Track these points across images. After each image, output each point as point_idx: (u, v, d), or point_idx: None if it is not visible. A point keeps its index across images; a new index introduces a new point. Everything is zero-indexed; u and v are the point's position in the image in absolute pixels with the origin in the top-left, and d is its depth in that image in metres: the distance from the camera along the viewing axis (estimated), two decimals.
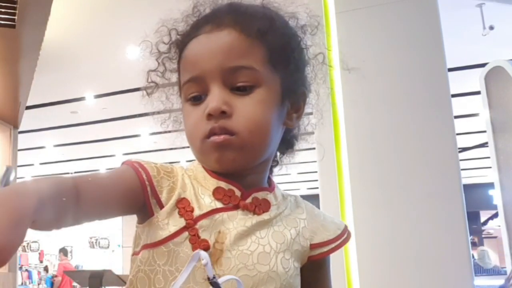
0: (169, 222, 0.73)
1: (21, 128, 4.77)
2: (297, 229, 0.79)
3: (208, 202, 0.75)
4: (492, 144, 3.06)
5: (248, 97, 0.73)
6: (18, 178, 4.79)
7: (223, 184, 0.76)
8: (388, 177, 2.37)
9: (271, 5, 0.80)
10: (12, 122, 4.44)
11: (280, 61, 0.76)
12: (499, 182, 3.02)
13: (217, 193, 0.76)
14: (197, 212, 0.73)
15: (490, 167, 3.13)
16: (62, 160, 9.90)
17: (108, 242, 15.40)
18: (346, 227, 0.85)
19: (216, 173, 0.77)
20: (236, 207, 0.75)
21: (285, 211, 0.80)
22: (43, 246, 14.80)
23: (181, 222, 0.72)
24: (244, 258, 0.72)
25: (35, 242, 14.58)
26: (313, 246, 0.79)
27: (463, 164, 4.03)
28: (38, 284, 13.48)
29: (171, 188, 0.75)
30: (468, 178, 11.21)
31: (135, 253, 0.77)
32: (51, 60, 4.91)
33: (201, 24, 0.78)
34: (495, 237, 14.04)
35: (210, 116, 0.73)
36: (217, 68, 0.73)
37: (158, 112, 0.87)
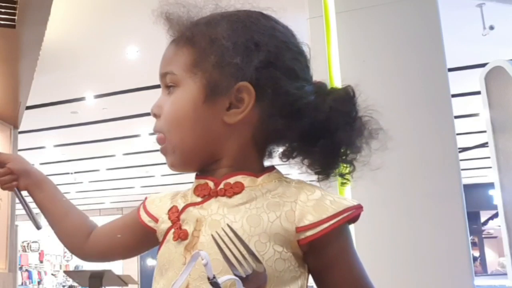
0: (162, 228, 0.85)
1: (21, 128, 4.76)
2: (278, 212, 0.76)
3: (190, 200, 0.83)
4: (492, 144, 3.06)
5: (169, 97, 0.83)
6: None
7: (200, 182, 0.84)
8: (388, 177, 2.37)
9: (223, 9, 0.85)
10: (12, 122, 4.44)
11: (203, 61, 0.80)
12: (499, 182, 3.02)
13: (196, 190, 0.83)
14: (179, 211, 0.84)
15: (490, 167, 3.13)
16: (62, 160, 9.89)
17: None
18: (350, 206, 0.77)
19: (197, 174, 0.86)
20: (210, 196, 0.81)
21: (268, 194, 0.79)
22: (43, 246, 14.79)
23: (169, 223, 0.83)
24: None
25: (35, 242, 14.57)
26: (299, 229, 0.76)
27: (463, 164, 4.02)
28: (38, 284, 13.48)
29: (160, 201, 0.89)
30: (468, 178, 11.20)
31: None
32: (51, 60, 4.91)
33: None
34: (495, 237, 14.04)
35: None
36: (160, 73, 0.85)
37: None
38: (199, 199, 0.82)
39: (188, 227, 0.79)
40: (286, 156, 0.85)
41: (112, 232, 0.96)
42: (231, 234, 0.72)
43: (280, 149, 0.87)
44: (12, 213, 4.27)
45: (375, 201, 2.36)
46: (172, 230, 0.81)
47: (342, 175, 0.85)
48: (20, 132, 4.79)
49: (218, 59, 0.79)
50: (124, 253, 0.97)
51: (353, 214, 0.77)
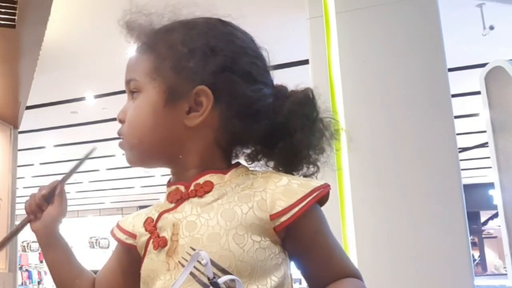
0: (141, 241, 0.86)
1: (21, 128, 4.76)
2: (250, 203, 0.77)
3: (164, 208, 0.84)
4: (492, 144, 3.06)
5: (133, 103, 0.85)
6: (18, 178, 4.79)
7: (171, 189, 0.85)
8: (388, 177, 2.37)
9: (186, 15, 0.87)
10: (12, 122, 4.44)
11: (161, 68, 0.82)
12: (499, 182, 3.02)
13: (169, 197, 0.84)
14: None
15: (490, 167, 3.13)
16: (62, 160, 9.89)
17: (108, 242, 15.40)
18: (317, 186, 0.79)
19: (168, 182, 0.87)
20: (182, 200, 0.82)
21: (237, 188, 0.80)
22: None
23: (148, 235, 0.84)
24: (194, 242, 0.76)
25: (35, 242, 14.48)
26: (273, 217, 0.77)
27: (463, 164, 4.02)
28: (38, 284, 13.49)
29: (133, 218, 0.92)
30: (468, 178, 11.20)
31: None
32: (51, 60, 4.91)
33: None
34: (495, 237, 14.04)
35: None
36: (125, 81, 0.88)
37: None
38: (172, 205, 0.83)
39: (166, 233, 0.80)
40: (251, 158, 0.88)
41: (108, 276, 0.95)
42: (198, 258, 0.73)
43: (246, 151, 0.88)
44: (12, 213, 4.27)
45: (375, 201, 2.36)
46: (152, 240, 0.82)
47: (306, 176, 0.86)
48: (20, 132, 4.79)
49: (175, 64, 0.81)
50: (130, 284, 0.92)
51: (322, 193, 0.79)
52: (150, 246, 0.82)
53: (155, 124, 0.83)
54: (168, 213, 0.82)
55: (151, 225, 0.84)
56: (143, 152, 0.85)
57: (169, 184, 0.87)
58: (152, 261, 0.81)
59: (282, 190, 0.79)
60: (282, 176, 0.81)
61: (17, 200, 4.51)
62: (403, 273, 2.29)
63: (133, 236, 0.88)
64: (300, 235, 0.79)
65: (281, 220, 0.77)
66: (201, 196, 0.81)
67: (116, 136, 0.91)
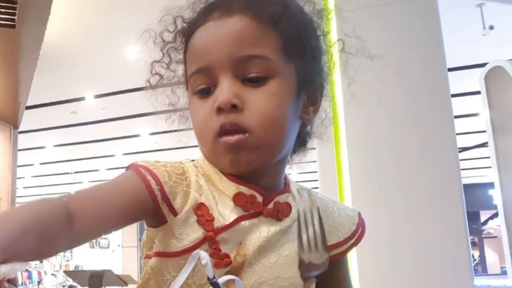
0: (186, 232, 0.66)
1: (21, 128, 4.76)
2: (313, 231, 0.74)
3: (229, 210, 0.68)
4: (492, 144, 3.06)
5: (261, 89, 0.67)
6: (18, 178, 4.78)
7: (244, 189, 0.69)
8: (388, 177, 2.37)
9: None
10: (12, 122, 4.44)
11: (296, 50, 0.69)
12: (499, 182, 3.02)
13: (238, 199, 0.68)
14: (218, 222, 0.67)
15: (490, 167, 3.13)
16: (62, 160, 9.89)
17: (108, 242, 15.39)
18: (360, 220, 0.80)
19: (234, 176, 0.70)
20: (258, 214, 0.69)
21: (302, 215, 0.74)
22: None
23: (200, 232, 0.66)
24: (265, 271, 0.67)
25: None
26: (329, 248, 0.75)
27: (463, 164, 4.02)
28: (38, 284, 13.48)
29: (185, 192, 0.67)
30: (468, 178, 11.20)
31: (147, 256, 0.71)
32: (51, 60, 4.91)
33: (209, 11, 0.72)
34: (495, 237, 14.04)
35: (220, 110, 0.67)
36: (227, 58, 0.67)
37: (164, 110, 0.80)
38: (241, 212, 0.68)
39: (229, 250, 0.66)
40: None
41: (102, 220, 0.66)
42: (316, 219, 0.71)
43: None
44: None
45: (375, 201, 2.36)
46: (206, 245, 0.66)
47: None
48: (20, 132, 4.80)
49: (307, 49, 0.71)
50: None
51: (364, 226, 0.81)
52: (205, 250, 0.65)
53: (290, 118, 0.69)
54: (241, 224, 0.67)
55: (210, 225, 0.66)
56: (271, 152, 0.69)
57: (237, 181, 0.69)
58: (200, 273, 0.65)
59: (336, 220, 0.77)
60: (323, 200, 0.79)
61: (17, 200, 4.51)
62: (403, 273, 2.28)
63: (173, 212, 0.66)
64: (338, 264, 0.79)
65: (338, 251, 0.77)
66: (280, 220, 0.70)
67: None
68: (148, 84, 0.79)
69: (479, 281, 7.25)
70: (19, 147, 4.72)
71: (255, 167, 0.68)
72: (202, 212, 0.66)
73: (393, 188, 2.35)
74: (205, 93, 0.70)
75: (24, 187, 11.79)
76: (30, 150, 8.66)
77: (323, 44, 0.75)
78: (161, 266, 0.68)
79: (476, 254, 14.10)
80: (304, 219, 0.73)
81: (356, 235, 0.79)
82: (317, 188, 2.52)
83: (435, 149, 2.34)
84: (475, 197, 11.57)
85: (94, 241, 15.71)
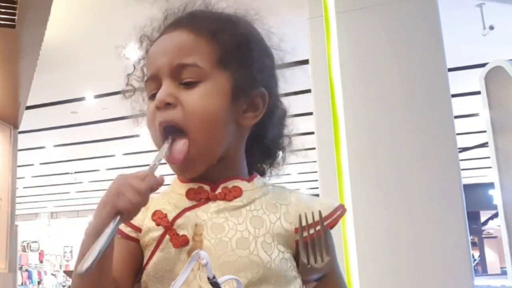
0: (151, 236, 0.78)
1: (21, 128, 4.76)
2: (277, 214, 0.79)
3: (182, 205, 0.79)
4: (492, 144, 3.06)
5: (193, 90, 0.77)
6: (18, 178, 4.79)
7: (192, 185, 0.80)
8: (388, 177, 2.38)
9: (244, 13, 0.84)
10: (12, 122, 4.44)
11: (232, 60, 0.78)
12: (499, 182, 3.02)
13: (189, 194, 0.80)
14: (171, 215, 0.78)
15: (490, 167, 3.13)
16: (62, 160, 9.88)
17: None
18: (338, 206, 0.83)
19: (183, 179, 0.82)
20: (207, 200, 0.79)
21: (264, 197, 0.81)
22: (43, 246, 14.78)
23: (160, 230, 0.78)
24: (222, 245, 0.74)
25: (35, 242, 14.56)
26: (298, 230, 0.79)
27: (463, 164, 4.02)
28: (38, 284, 13.49)
29: (143, 210, 0.75)
30: (468, 178, 11.20)
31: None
32: (51, 60, 4.91)
33: (164, 28, 0.85)
34: (495, 237, 14.04)
35: (157, 108, 0.77)
36: (167, 65, 0.78)
37: (136, 115, 0.91)
38: (192, 203, 0.79)
39: (186, 232, 0.76)
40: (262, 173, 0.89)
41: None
42: (318, 221, 0.76)
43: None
44: (12, 213, 4.27)
45: (375, 201, 2.36)
46: (167, 236, 0.77)
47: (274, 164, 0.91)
48: (20, 132, 4.79)
49: (246, 59, 0.79)
50: (125, 274, 0.79)
51: (342, 213, 0.82)
52: (166, 243, 0.76)
53: (224, 119, 0.78)
54: (190, 211, 0.78)
55: (164, 220, 0.78)
56: (210, 152, 0.78)
57: (187, 181, 0.81)
58: (168, 259, 0.76)
59: (308, 205, 0.81)
60: (299, 193, 0.84)
61: (17, 200, 4.51)
62: (403, 273, 2.28)
63: (137, 229, 0.79)
64: None
65: (306, 234, 0.79)
66: (229, 200, 0.79)
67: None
68: (123, 95, 0.90)
69: (479, 281, 7.25)
70: (19, 147, 4.72)
71: (202, 169, 0.79)
72: (157, 216, 0.79)
73: (393, 188, 2.35)
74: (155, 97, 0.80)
75: (24, 187, 11.78)
76: (30, 150, 8.66)
77: (270, 59, 0.84)
78: (147, 276, 0.78)
79: (476, 254, 14.10)
80: (268, 204, 0.80)
81: (328, 220, 0.81)
82: (317, 188, 2.52)
83: (435, 149, 2.35)
84: (475, 197, 11.57)
85: None
